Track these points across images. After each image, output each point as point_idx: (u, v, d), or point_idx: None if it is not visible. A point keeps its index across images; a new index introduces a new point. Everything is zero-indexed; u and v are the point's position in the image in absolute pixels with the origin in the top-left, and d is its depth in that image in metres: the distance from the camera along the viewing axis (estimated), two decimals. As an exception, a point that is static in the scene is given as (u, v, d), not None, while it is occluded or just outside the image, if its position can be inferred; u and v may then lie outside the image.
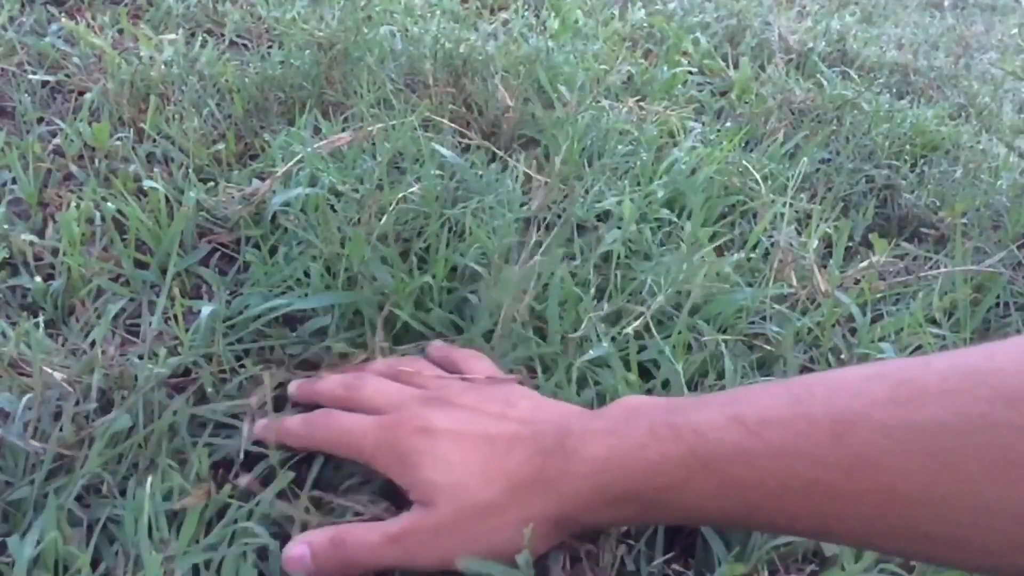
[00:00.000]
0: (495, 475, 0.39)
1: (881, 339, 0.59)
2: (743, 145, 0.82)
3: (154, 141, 0.69)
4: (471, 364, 0.49)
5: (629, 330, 0.53)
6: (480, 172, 0.67)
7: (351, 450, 0.43)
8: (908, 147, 0.91)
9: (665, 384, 0.51)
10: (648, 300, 0.56)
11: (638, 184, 0.70)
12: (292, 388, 0.48)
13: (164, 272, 0.54)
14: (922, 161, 0.90)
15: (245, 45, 0.90)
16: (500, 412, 0.43)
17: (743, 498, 0.35)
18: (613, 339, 0.53)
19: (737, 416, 0.35)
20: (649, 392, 0.51)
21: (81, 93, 0.75)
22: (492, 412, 0.43)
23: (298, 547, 0.40)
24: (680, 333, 0.53)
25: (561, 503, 0.38)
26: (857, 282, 0.64)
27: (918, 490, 0.31)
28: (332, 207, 0.60)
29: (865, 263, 0.64)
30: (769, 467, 0.34)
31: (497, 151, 0.72)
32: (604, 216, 0.66)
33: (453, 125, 0.73)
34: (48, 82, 0.77)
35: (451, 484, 0.39)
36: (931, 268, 0.69)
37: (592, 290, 0.56)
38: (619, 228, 0.61)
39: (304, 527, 0.41)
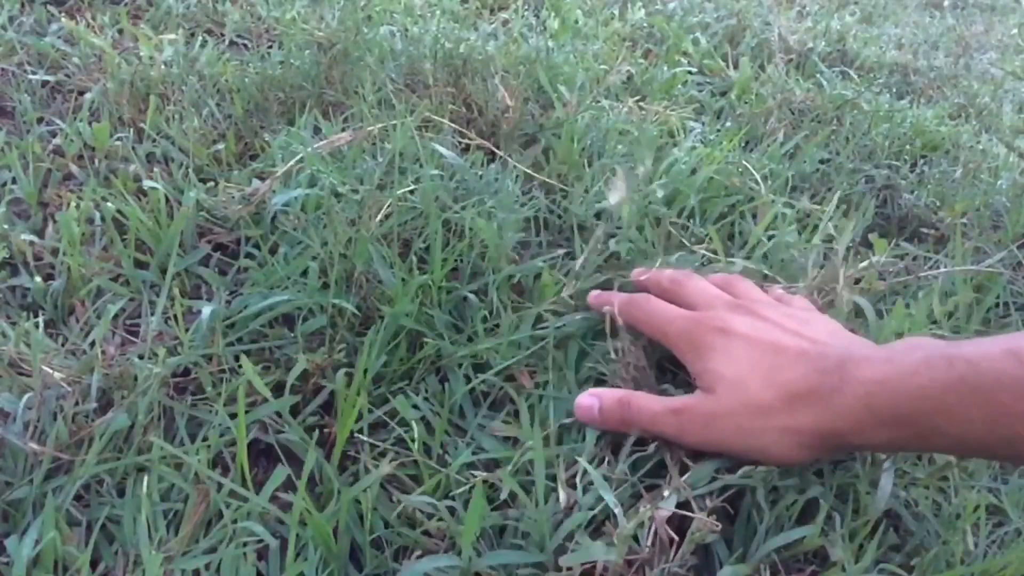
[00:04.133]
0: (774, 381, 0.43)
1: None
2: (743, 145, 0.82)
3: (154, 141, 0.69)
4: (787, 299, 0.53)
5: None
6: (480, 172, 0.67)
7: (656, 331, 0.50)
8: (908, 147, 0.90)
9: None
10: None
11: (638, 184, 0.70)
12: (634, 273, 0.56)
13: (164, 272, 0.54)
14: (922, 161, 0.90)
15: (245, 45, 0.90)
16: (795, 329, 0.46)
17: (1011, 427, 0.37)
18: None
19: (1012, 349, 0.37)
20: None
21: (81, 93, 0.75)
22: (788, 327, 0.46)
23: (589, 398, 0.47)
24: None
25: (830, 419, 0.41)
26: (857, 282, 0.64)
27: None
28: (333, 207, 0.60)
29: (865, 263, 0.64)
30: None
31: (497, 151, 0.72)
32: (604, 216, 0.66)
33: (453, 125, 0.73)
34: (48, 82, 0.77)
35: (734, 378, 0.44)
36: (931, 268, 0.69)
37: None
38: (619, 228, 0.61)
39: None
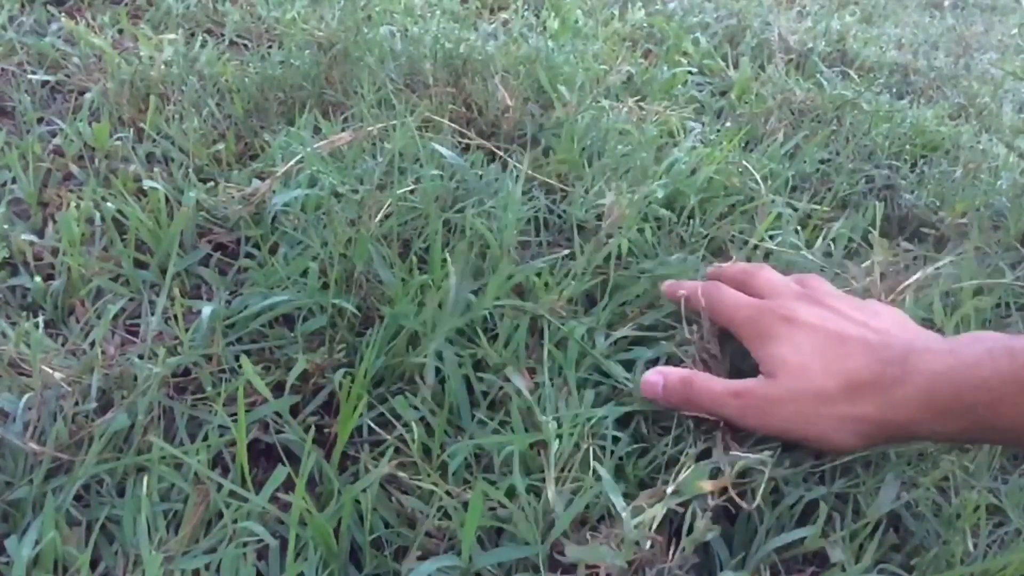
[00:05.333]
0: (836, 369, 0.44)
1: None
2: (743, 145, 0.82)
3: (154, 141, 0.69)
4: None
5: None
6: (480, 172, 0.67)
7: (724, 317, 0.50)
8: (908, 147, 0.90)
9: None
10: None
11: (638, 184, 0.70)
12: (709, 269, 0.58)
13: (164, 272, 0.54)
14: (922, 161, 0.90)
15: (245, 45, 0.90)
16: (862, 320, 0.47)
17: None
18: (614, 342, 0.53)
19: None
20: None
21: (81, 93, 0.75)
22: (854, 318, 0.47)
23: (654, 375, 0.48)
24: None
25: (890, 409, 0.42)
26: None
27: None
28: (333, 207, 0.60)
29: (866, 263, 0.64)
30: None
31: (497, 151, 0.72)
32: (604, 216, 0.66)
33: (453, 125, 0.73)
34: (48, 82, 0.77)
35: (796, 365, 0.45)
36: (931, 268, 0.68)
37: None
38: (620, 228, 0.61)
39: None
